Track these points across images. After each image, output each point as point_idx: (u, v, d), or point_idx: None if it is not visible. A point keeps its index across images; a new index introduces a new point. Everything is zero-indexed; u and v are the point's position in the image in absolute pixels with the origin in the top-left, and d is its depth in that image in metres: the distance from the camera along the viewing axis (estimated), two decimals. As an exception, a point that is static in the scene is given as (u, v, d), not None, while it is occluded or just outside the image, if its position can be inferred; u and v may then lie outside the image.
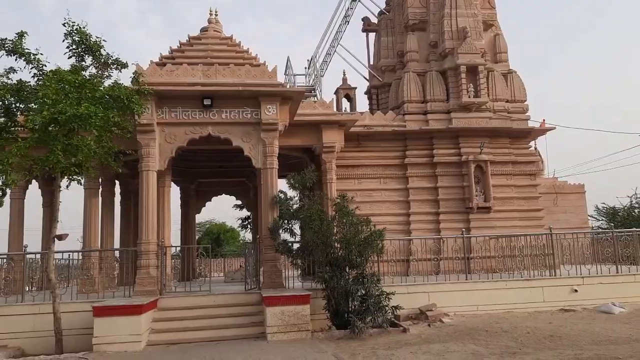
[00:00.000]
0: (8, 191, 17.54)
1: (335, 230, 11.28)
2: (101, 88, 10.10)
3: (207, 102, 12.37)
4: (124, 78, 10.99)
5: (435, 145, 17.46)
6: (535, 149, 25.19)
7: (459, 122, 17.32)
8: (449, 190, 17.21)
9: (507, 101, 18.13)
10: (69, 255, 14.04)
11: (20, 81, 9.58)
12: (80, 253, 13.67)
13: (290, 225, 12.11)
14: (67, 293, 12.12)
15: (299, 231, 12.31)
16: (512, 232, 15.06)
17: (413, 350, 8.95)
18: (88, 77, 9.90)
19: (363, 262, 11.17)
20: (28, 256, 12.52)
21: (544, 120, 19.84)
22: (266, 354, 9.18)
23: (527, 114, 18.17)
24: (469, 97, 17.33)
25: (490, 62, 18.37)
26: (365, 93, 21.25)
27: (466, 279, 12.95)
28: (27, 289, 13.07)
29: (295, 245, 12.09)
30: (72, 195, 14.43)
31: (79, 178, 10.06)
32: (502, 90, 18.14)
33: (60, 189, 10.66)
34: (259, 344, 10.03)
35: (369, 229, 11.16)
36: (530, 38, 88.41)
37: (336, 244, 11.10)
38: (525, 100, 18.33)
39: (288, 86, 15.38)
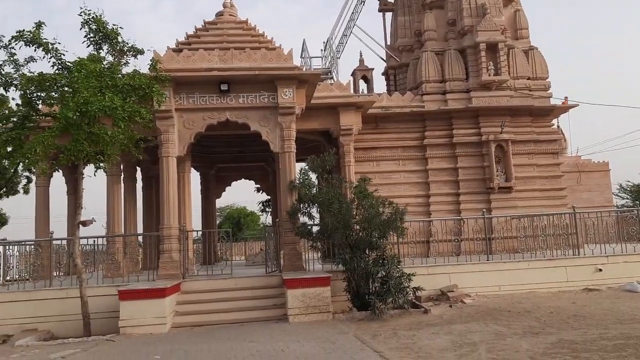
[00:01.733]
0: (33, 178, 17.92)
1: (354, 213, 11.27)
2: (119, 76, 10.18)
3: (224, 87, 12.39)
4: (141, 65, 11.07)
5: (455, 126, 17.25)
6: (558, 127, 24.77)
7: (478, 102, 17.08)
8: (469, 171, 17.05)
9: (529, 78, 17.79)
10: (94, 240, 14.33)
11: (41, 73, 9.68)
12: (105, 238, 13.93)
13: (309, 209, 12.14)
14: (93, 277, 12.39)
15: (318, 214, 12.36)
16: (534, 212, 14.87)
17: (435, 331, 8.96)
18: (108, 66, 9.97)
19: (382, 243, 11.17)
20: (54, 242, 12.83)
21: (566, 97, 19.39)
22: (289, 334, 9.28)
23: (549, 91, 17.82)
24: (489, 75, 17.04)
25: (511, 39, 18.00)
26: (383, 74, 21.05)
27: (488, 260, 12.87)
28: (55, 274, 13.40)
29: (315, 228, 12.13)
30: (95, 182, 14.69)
31: (103, 166, 10.19)
32: (523, 68, 17.79)
33: (84, 176, 10.84)
34: (281, 326, 10.15)
35: (389, 210, 11.12)
36: (551, 13, 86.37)
37: (356, 226, 11.10)
38: (547, 78, 17.95)
39: (304, 69, 15.29)
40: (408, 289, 10.79)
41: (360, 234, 11.08)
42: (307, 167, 12.56)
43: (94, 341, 9.38)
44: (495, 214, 15.49)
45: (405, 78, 19.33)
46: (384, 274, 10.83)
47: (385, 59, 20.80)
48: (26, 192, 24.50)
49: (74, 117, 8.96)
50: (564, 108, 18.19)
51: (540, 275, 12.52)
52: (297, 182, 12.49)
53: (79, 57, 9.69)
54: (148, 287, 10.44)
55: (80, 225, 10.60)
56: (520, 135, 17.25)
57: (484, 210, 13.94)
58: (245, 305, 11.16)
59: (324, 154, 12.32)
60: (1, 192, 23.84)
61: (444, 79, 17.58)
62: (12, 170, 23.33)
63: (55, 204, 16.46)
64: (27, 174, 23.60)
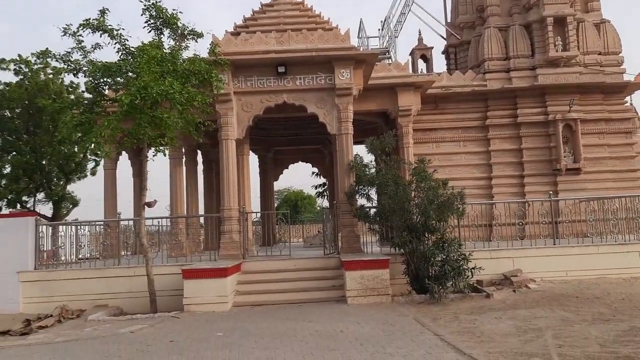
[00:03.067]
0: (101, 161, 18.68)
1: (413, 195, 11.06)
2: (180, 61, 10.38)
3: (281, 69, 12.41)
4: (200, 48, 11.24)
5: (519, 105, 16.58)
6: (631, 104, 23.29)
7: (545, 79, 16.30)
8: (534, 152, 16.39)
9: (600, 54, 16.83)
10: (159, 221, 14.86)
11: (108, 62, 10.00)
12: (168, 220, 14.41)
13: (366, 191, 12.03)
14: (158, 257, 12.85)
15: (376, 196, 12.23)
16: (604, 194, 14.11)
17: (497, 316, 8.70)
18: (168, 50, 10.19)
19: (442, 226, 10.92)
20: (122, 222, 13.39)
21: (640, 73, 18.21)
22: (347, 315, 9.29)
23: (622, 66, 16.79)
24: (557, 51, 16.23)
25: (580, 11, 17.04)
26: (443, 53, 20.47)
27: (554, 244, 12.33)
28: (123, 253, 14.02)
29: (372, 211, 12.02)
30: (159, 166, 15.23)
31: (164, 149, 10.48)
32: (594, 42, 16.81)
33: (148, 159, 11.20)
34: (340, 307, 10.17)
35: (446, 192, 10.84)
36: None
37: (414, 209, 10.90)
38: (620, 52, 16.91)
39: (361, 49, 15.05)
40: (468, 273, 10.50)
41: (418, 216, 10.87)
42: (366, 149, 12.43)
43: (160, 317, 9.75)
44: (562, 197, 14.81)
45: (466, 56, 18.71)
46: (444, 257, 10.59)
47: (445, 37, 20.19)
48: (93, 174, 25.69)
49: (135, 102, 9.22)
50: (638, 84, 17.04)
51: (611, 261, 11.87)
52: (355, 163, 12.39)
53: (142, 42, 9.94)
54: (210, 266, 10.71)
55: (146, 207, 10.97)
56: (590, 114, 16.38)
57: (551, 192, 13.33)
58: (303, 286, 11.25)
59: (383, 135, 12.13)
60: (72, 175, 25.09)
61: (508, 56, 16.88)
62: (81, 155, 24.56)
63: (122, 186, 17.22)
64: (94, 157, 24.72)
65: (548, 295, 10.21)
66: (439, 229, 10.99)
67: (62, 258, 12.61)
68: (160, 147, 10.38)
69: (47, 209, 25.15)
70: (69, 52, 10.13)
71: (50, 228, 12.36)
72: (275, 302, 10.76)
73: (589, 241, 12.50)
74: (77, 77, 10.27)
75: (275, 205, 47.44)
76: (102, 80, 10.33)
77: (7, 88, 22.72)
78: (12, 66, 23.21)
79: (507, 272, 11.71)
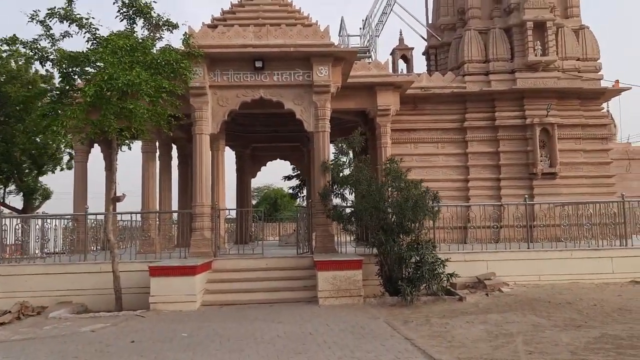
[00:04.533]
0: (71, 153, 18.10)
1: (387, 195, 10.92)
2: (153, 51, 10.07)
3: (258, 64, 12.17)
4: (176, 40, 10.95)
5: (498, 108, 16.58)
6: (608, 111, 23.55)
7: (524, 83, 16.31)
8: (511, 155, 16.40)
9: (578, 59, 16.91)
10: (130, 217, 14.48)
11: (74, 52, 9.65)
12: (140, 215, 14.03)
13: (341, 191, 11.86)
14: (126, 253, 12.50)
15: (352, 196, 12.08)
16: (579, 200, 14.16)
17: (469, 320, 8.60)
18: (140, 40, 9.86)
19: (417, 227, 10.80)
20: (93, 217, 12.99)
21: (617, 80, 18.33)
22: (318, 317, 9.10)
23: (599, 73, 16.90)
24: (536, 55, 16.25)
25: (560, 17, 17.11)
26: (423, 54, 20.41)
27: (528, 248, 12.32)
28: (93, 249, 13.62)
29: (347, 211, 11.85)
30: (133, 160, 14.86)
31: (129, 142, 10.15)
32: (573, 48, 16.89)
33: (117, 152, 10.86)
34: (310, 308, 9.98)
35: (420, 192, 10.72)
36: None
37: (388, 209, 10.76)
38: (598, 59, 17.02)
39: (341, 47, 14.87)
40: (442, 275, 10.40)
41: (392, 217, 10.73)
42: (335, 149, 12.27)
43: (124, 316, 9.44)
44: (537, 201, 14.84)
45: (446, 58, 18.66)
46: (418, 259, 10.48)
47: (426, 38, 20.14)
48: (69, 168, 25.08)
49: (97, 93, 8.90)
50: (615, 91, 17.19)
51: (584, 266, 11.90)
52: (330, 163, 12.21)
53: (112, 32, 9.61)
54: (179, 264, 10.42)
55: (114, 201, 10.63)
56: (567, 119, 16.46)
57: (526, 196, 13.32)
58: (275, 286, 11.04)
59: (352, 134, 11.98)
60: (45, 167, 24.46)
61: (488, 59, 16.86)
62: (55, 146, 23.93)
63: (96, 180, 16.79)
64: (69, 150, 24.13)
65: (521, 299, 10.17)
66: (413, 230, 10.87)
67: (37, 252, 12.20)
68: (126, 140, 10.03)
69: (17, 201, 24.54)
70: (37, 40, 9.74)
71: (15, 220, 11.89)
72: (246, 301, 10.53)
73: (563, 246, 12.53)
74: (44, 66, 9.89)
75: (256, 202, 47.22)
76: (70, 69, 9.95)
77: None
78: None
79: (480, 275, 11.66)
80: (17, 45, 9.71)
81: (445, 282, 10.59)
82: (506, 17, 17.06)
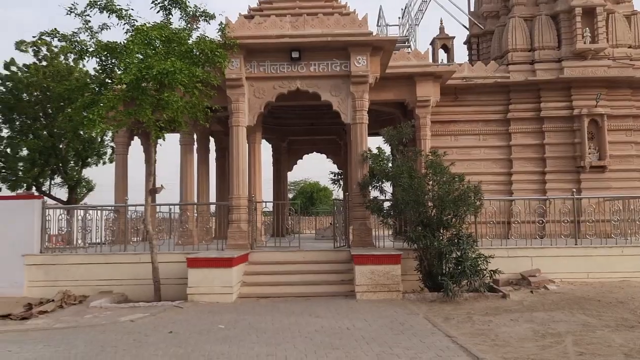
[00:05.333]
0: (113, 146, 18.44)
1: (427, 188, 10.61)
2: (189, 42, 10.04)
3: (295, 54, 11.99)
4: (213, 32, 10.90)
5: (543, 98, 15.93)
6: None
7: (571, 72, 15.62)
8: (557, 148, 15.75)
9: (630, 47, 16.10)
10: (169, 209, 14.63)
11: (111, 42, 9.71)
12: (179, 207, 14.14)
13: (380, 183, 11.59)
14: (165, 244, 12.60)
15: (391, 189, 11.81)
16: (631, 194, 13.46)
17: (514, 318, 8.25)
18: (175, 31, 9.83)
19: (458, 222, 10.46)
20: (134, 209, 13.17)
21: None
22: (355, 312, 8.92)
23: (653, 60, 15.99)
24: (585, 43, 15.52)
25: (611, 2, 16.28)
26: (465, 43, 19.83)
27: (576, 244, 11.78)
28: (134, 240, 13.83)
29: (386, 204, 11.59)
30: (172, 152, 15.00)
31: (163, 133, 10.14)
32: (624, 35, 16.07)
33: (156, 144, 10.92)
34: (347, 302, 9.80)
35: (462, 186, 10.36)
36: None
37: (429, 203, 10.45)
38: (652, 45, 16.11)
39: (380, 36, 14.55)
40: (485, 271, 10.04)
41: (433, 211, 10.42)
42: (382, 139, 11.97)
43: (163, 306, 9.48)
44: (585, 195, 14.22)
45: (489, 47, 18.06)
46: (459, 254, 10.14)
47: (467, 26, 19.52)
48: (111, 161, 25.63)
49: (132, 83, 8.92)
50: (671, 79, 16.23)
51: (636, 263, 11.30)
52: (370, 154, 11.96)
53: (144, 23, 9.63)
54: (216, 256, 10.41)
55: (152, 193, 10.70)
56: (617, 110, 15.70)
57: (573, 190, 12.74)
58: (311, 279, 10.90)
59: (400, 125, 11.67)
60: (88, 160, 25.09)
61: (533, 47, 16.22)
62: (99, 140, 24.52)
63: (137, 173, 17.06)
64: (112, 144, 24.65)
65: (568, 297, 9.71)
66: (454, 224, 10.53)
67: (79, 242, 12.47)
68: (163, 132, 10.03)
69: (62, 193, 25.25)
70: (76, 33, 9.84)
71: (58, 211, 12.15)
72: (282, 294, 10.43)
73: (613, 242, 11.93)
74: (84, 59, 9.98)
75: (292, 196, 47.36)
76: (109, 61, 10.03)
77: (27, 73, 22.66)
78: (30, 49, 23.17)
79: (525, 272, 11.21)
80: (54, 39, 9.80)
81: (488, 278, 10.22)
82: (553, 3, 16.35)
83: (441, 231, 10.52)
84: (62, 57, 22.89)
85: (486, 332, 7.41)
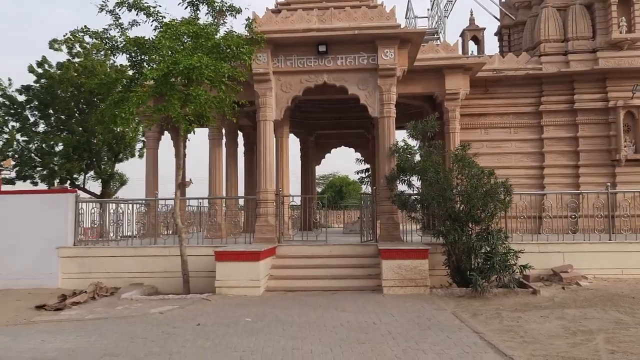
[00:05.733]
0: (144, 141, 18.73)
1: (455, 183, 10.47)
2: (216, 37, 10.12)
3: (322, 48, 11.96)
4: (240, 26, 10.95)
5: (577, 90, 15.51)
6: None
7: (606, 63, 15.16)
8: (591, 141, 15.33)
9: (669, 35, 15.45)
10: (199, 202, 14.80)
11: (140, 38, 9.85)
12: (207, 201, 14.31)
13: (407, 177, 11.49)
14: (193, 238, 12.77)
15: (419, 183, 11.70)
16: (669, 188, 13.03)
17: (544, 314, 8.08)
18: (203, 27, 9.92)
19: (487, 217, 10.29)
20: (165, 202, 13.39)
21: None
22: (382, 306, 8.89)
23: (694, 49, 15.37)
24: (621, 32, 15.05)
25: (650, -11, 15.67)
26: (496, 34, 19.44)
27: (610, 239, 11.46)
28: (165, 233, 14.07)
29: (413, 198, 11.48)
30: (202, 147, 15.18)
31: (192, 127, 10.24)
32: (663, 23, 15.46)
33: (186, 138, 11.05)
34: (374, 297, 9.77)
35: (491, 181, 10.18)
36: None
37: (456, 198, 10.32)
38: (692, 33, 15.47)
39: (408, 29, 14.38)
40: (515, 267, 9.86)
41: (461, 206, 10.28)
42: (406, 132, 11.86)
43: (191, 299, 9.63)
44: (620, 189, 13.80)
45: (520, 38, 17.68)
46: (488, 249, 9.99)
47: (498, 17, 19.14)
48: (141, 156, 26.10)
49: (161, 78, 9.04)
50: None
51: (674, 260, 10.94)
52: (397, 148, 11.86)
53: (173, 19, 9.73)
54: (243, 249, 10.50)
55: (181, 186, 10.85)
56: (655, 101, 15.15)
57: (608, 184, 12.39)
58: (338, 274, 10.91)
59: (426, 119, 11.53)
60: (121, 155, 25.62)
61: (566, 37, 15.79)
62: (130, 134, 24.98)
63: (168, 167, 17.30)
64: (143, 138, 25.10)
65: (601, 294, 9.47)
66: (484, 219, 10.37)
67: (111, 235, 12.77)
68: (191, 126, 10.13)
69: (96, 187, 25.86)
70: (106, 29, 10.03)
71: (90, 205, 12.44)
72: (309, 288, 10.46)
73: (649, 238, 11.57)
74: (115, 55, 10.16)
75: (321, 190, 47.40)
76: (139, 57, 10.18)
77: (60, 71, 23.25)
78: (64, 47, 23.75)
79: (556, 268, 10.99)
80: (86, 36, 10.00)
81: (518, 274, 10.04)
82: (587, -8, 15.88)
83: (470, 226, 10.38)
84: (95, 54, 23.39)
85: (515, 328, 7.29)
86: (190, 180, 11.02)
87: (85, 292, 10.06)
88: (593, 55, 15.41)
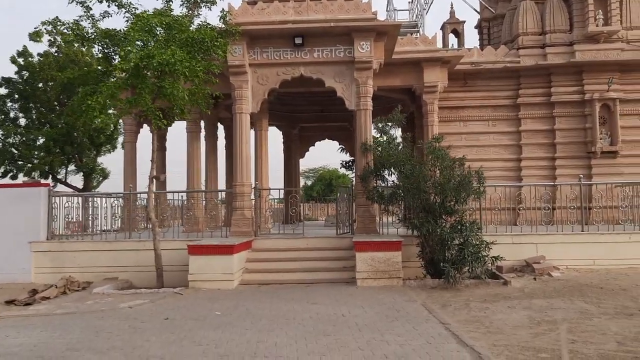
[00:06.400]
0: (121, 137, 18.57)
1: (429, 175, 10.52)
2: (191, 29, 10.04)
3: (298, 40, 11.92)
4: (215, 18, 10.87)
5: (554, 83, 15.62)
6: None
7: (583, 56, 15.26)
8: (567, 133, 15.47)
9: (645, 29, 15.59)
10: (180, 196, 14.69)
11: (110, 29, 9.73)
12: (186, 195, 14.23)
13: (383, 170, 11.52)
14: (169, 232, 12.71)
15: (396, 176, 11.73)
16: (642, 180, 13.17)
17: (511, 305, 8.18)
18: (176, 18, 9.83)
19: (460, 208, 10.36)
20: (142, 196, 13.28)
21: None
22: (354, 298, 8.94)
23: (669, 42, 15.52)
24: (597, 25, 15.13)
25: (625, -17, 15.79)
26: (476, 27, 19.50)
27: (582, 230, 11.59)
28: (144, 227, 13.97)
29: (387, 191, 11.52)
30: (183, 140, 15.04)
31: (164, 122, 10.16)
32: (639, 17, 15.60)
33: (166, 131, 10.93)
34: (347, 289, 9.82)
35: (463, 172, 10.24)
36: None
37: (430, 189, 10.37)
38: (667, 27, 15.62)
39: (384, 21, 14.35)
40: (486, 258, 9.94)
41: (434, 197, 10.33)
42: (374, 129, 11.89)
43: (163, 293, 9.60)
44: (596, 181, 13.95)
45: (500, 31, 17.75)
46: (462, 241, 10.07)
47: (479, 10, 19.19)
48: (123, 147, 25.86)
49: (133, 71, 8.95)
50: (687, 63, 15.73)
51: (644, 251, 11.10)
52: (375, 140, 11.88)
53: (145, 11, 9.63)
54: (217, 243, 10.48)
55: (154, 180, 10.79)
56: (631, 94, 15.33)
57: (581, 176, 12.50)
58: (314, 266, 10.93)
59: (393, 112, 11.57)
60: (102, 147, 25.41)
61: (544, 30, 15.87)
62: (112, 127, 24.74)
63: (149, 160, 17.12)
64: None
65: (571, 284, 9.61)
66: (457, 210, 10.44)
67: (97, 229, 12.66)
68: (163, 120, 10.04)
69: (78, 181, 25.63)
70: (77, 21, 9.90)
71: (64, 199, 12.32)
72: (284, 281, 10.48)
73: (621, 229, 11.72)
74: (85, 47, 10.05)
75: (310, 183, 47.30)
76: (111, 49, 10.08)
77: (40, 60, 22.96)
78: (46, 38, 23.44)
79: (529, 259, 11.11)
80: (57, 27, 9.87)
81: (490, 265, 10.14)
82: (565, -15, 15.96)
83: (444, 218, 10.45)
84: (76, 46, 23.10)
85: (481, 319, 7.37)
86: (163, 174, 10.94)
87: (55, 286, 9.98)
88: (570, 48, 15.50)
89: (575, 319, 7.19)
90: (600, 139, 15.03)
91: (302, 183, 43.08)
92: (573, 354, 5.64)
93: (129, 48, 9.17)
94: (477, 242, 10.01)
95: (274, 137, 42.11)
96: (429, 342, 6.15)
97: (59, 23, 9.87)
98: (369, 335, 6.50)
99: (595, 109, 15.00)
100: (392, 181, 11.51)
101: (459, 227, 10.22)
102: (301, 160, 22.77)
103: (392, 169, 11.07)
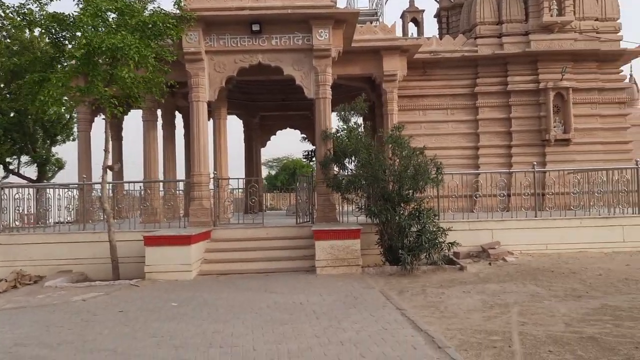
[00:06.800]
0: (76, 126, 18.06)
1: (388, 163, 10.59)
2: (145, 13, 9.75)
3: (255, 27, 11.74)
4: (170, 3, 10.58)
5: (510, 72, 15.94)
6: (631, 76, 22.62)
7: (538, 45, 15.61)
8: (523, 121, 15.84)
9: (597, 19, 16.08)
10: (139, 187, 14.31)
11: (59, 13, 9.35)
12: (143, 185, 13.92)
13: (342, 159, 11.52)
14: (126, 223, 12.42)
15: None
16: (594, 166, 13.61)
17: (466, 290, 8.35)
18: (127, 3, 9.52)
19: (418, 196, 10.49)
20: (98, 187, 12.87)
21: (640, 42, 17.44)
22: (312, 287, 8.94)
23: (619, 34, 16.04)
24: (552, 16, 15.47)
25: (578, -26, 16.18)
26: (435, 16, 19.66)
27: (535, 216, 11.91)
28: (100, 218, 13.59)
29: (346, 180, 11.54)
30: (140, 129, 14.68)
31: (118, 110, 9.86)
32: (591, 8, 16.05)
33: (122, 120, 10.62)
34: (307, 277, 9.82)
35: (420, 161, 10.36)
36: (634, -48, 78.34)
37: (388, 178, 10.45)
38: (617, 19, 16.15)
39: (343, 9, 14.32)
40: (443, 244, 10.11)
41: (393, 185, 10.42)
42: (336, 116, 11.87)
43: (119, 285, 9.40)
44: (549, 168, 14.34)
45: (458, 20, 17.97)
46: (419, 228, 10.20)
47: (438, -1, 19.37)
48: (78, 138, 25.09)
49: (84, 58, 8.65)
50: (636, 53, 16.29)
51: (594, 235, 11.48)
52: (331, 130, 11.86)
53: None
54: (174, 234, 10.30)
55: (108, 170, 10.52)
56: (583, 83, 15.76)
57: (534, 163, 12.83)
58: (274, 255, 10.89)
59: (355, 100, 11.57)
60: (57, 137, 24.57)
61: (501, 20, 16.14)
62: (67, 116, 23.93)
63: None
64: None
65: (524, 269, 9.87)
66: (414, 198, 10.56)
67: (50, 221, 12.24)
68: (118, 108, 9.74)
69: (32, 172, 24.75)
70: (24, 4, 9.47)
71: (14, 190, 11.87)
72: (243, 271, 10.41)
73: (572, 214, 12.10)
74: (33, 31, 9.65)
75: (274, 173, 47.03)
76: (60, 34, 9.70)
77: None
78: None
79: (485, 245, 11.35)
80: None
81: (447, 251, 10.31)
82: (521, -24, 16.23)
83: (402, 206, 10.55)
84: (27, 32, 22.18)
85: (437, 304, 7.49)
86: (117, 164, 10.66)
87: (5, 280, 9.64)
88: (525, 37, 15.82)
89: (527, 302, 7.39)
90: (554, 127, 15.44)
91: (265, 173, 42.85)
92: (523, 335, 5.80)
93: (79, 33, 8.83)
94: (434, 229, 10.16)
95: (234, 126, 41.59)
96: (385, 328, 6.21)
97: (3, 6, 9.41)
98: (326, 323, 6.52)
99: (550, 97, 15.39)
100: (351, 169, 11.54)
101: (416, 214, 10.34)
102: (264, 150, 22.67)
103: (352, 157, 11.07)
